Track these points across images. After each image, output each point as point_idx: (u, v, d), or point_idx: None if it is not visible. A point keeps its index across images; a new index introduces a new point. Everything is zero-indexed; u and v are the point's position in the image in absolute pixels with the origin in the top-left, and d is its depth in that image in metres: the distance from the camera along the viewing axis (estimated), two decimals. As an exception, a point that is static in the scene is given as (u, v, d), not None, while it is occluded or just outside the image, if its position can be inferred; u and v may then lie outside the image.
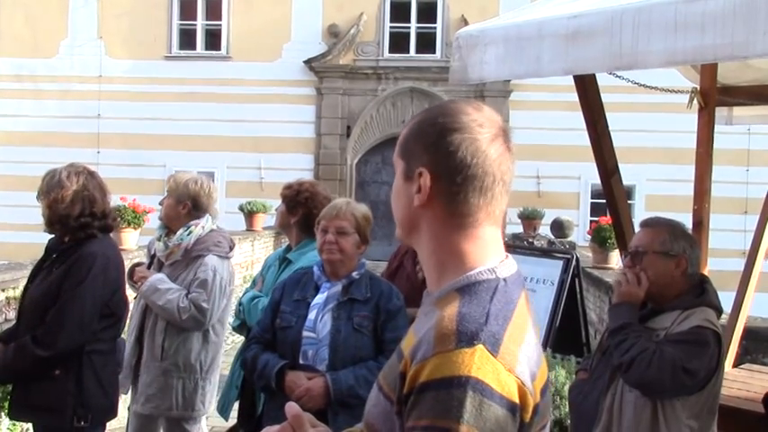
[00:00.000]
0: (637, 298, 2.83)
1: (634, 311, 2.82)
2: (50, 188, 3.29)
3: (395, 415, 1.20)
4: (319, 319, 2.94)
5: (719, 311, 2.87)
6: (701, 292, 2.85)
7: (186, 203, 3.98)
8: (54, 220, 3.27)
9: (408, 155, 1.32)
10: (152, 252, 4.17)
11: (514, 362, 1.15)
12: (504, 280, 1.26)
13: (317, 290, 3.04)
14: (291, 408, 1.32)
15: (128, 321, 4.18)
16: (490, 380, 1.12)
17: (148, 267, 4.08)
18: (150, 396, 3.90)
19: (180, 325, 3.86)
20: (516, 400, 1.14)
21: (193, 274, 3.91)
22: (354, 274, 3.04)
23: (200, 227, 3.98)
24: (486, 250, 1.29)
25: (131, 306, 4.16)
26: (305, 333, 2.94)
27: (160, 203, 4.11)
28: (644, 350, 2.67)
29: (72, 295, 3.14)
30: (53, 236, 3.37)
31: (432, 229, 1.30)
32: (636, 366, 2.66)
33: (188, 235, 3.94)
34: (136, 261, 4.07)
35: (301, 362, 2.94)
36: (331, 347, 2.91)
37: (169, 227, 4.04)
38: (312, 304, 2.98)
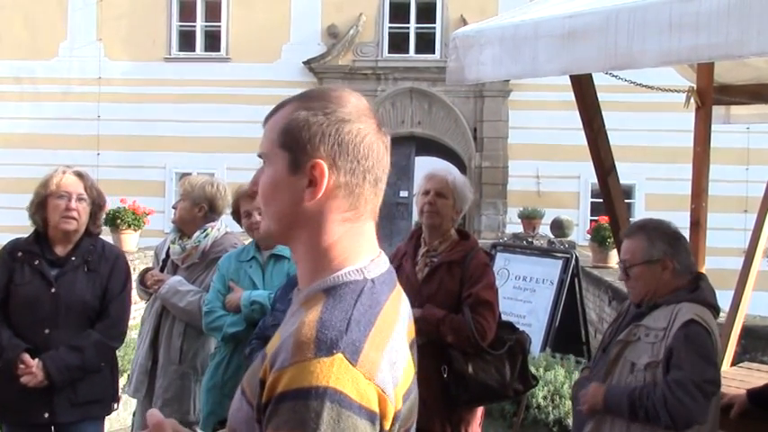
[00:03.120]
0: (599, 407, 2.88)
1: (613, 391, 2.85)
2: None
3: (255, 422, 1.17)
4: None
5: (716, 309, 2.89)
6: (694, 288, 2.88)
7: (202, 206, 4.00)
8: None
9: (294, 146, 1.24)
10: (162, 256, 4.15)
11: (375, 370, 1.12)
12: (372, 281, 1.23)
13: None
14: (153, 415, 1.32)
15: (140, 325, 4.19)
16: (349, 390, 1.09)
17: (161, 271, 4.06)
18: (168, 400, 3.88)
19: (201, 326, 3.86)
20: (376, 409, 1.12)
21: (213, 275, 3.92)
22: None
23: (216, 229, 4.02)
24: (363, 246, 1.27)
25: (143, 310, 4.17)
26: None
27: (174, 207, 4.10)
28: (664, 398, 2.70)
29: (125, 291, 3.48)
30: (34, 234, 3.43)
31: (317, 224, 1.25)
32: (677, 416, 2.69)
33: (205, 237, 3.96)
34: (146, 266, 4.09)
35: None
36: None
37: (182, 230, 4.04)
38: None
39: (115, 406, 3.55)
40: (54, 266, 3.32)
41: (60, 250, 3.36)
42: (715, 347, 2.77)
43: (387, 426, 1.14)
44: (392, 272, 1.31)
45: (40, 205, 3.35)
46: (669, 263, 2.89)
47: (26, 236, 3.47)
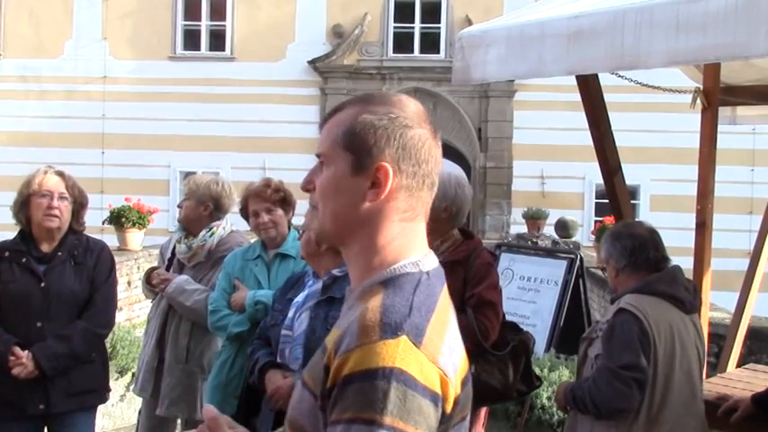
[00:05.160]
0: (561, 402, 3.08)
1: (566, 387, 3.01)
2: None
3: (319, 410, 1.19)
4: (297, 317, 2.92)
5: (675, 298, 2.88)
6: (645, 279, 2.91)
7: (208, 205, 4.01)
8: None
9: (359, 148, 1.27)
10: (167, 255, 4.15)
11: (437, 353, 1.16)
12: (427, 273, 1.27)
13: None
14: (209, 410, 1.34)
15: (146, 324, 4.19)
16: (414, 370, 1.12)
17: (167, 270, 4.06)
18: (174, 399, 3.89)
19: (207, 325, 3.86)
20: (439, 390, 1.15)
21: (219, 274, 3.92)
22: (336, 271, 2.98)
23: (222, 227, 4.02)
24: (416, 244, 1.31)
25: (149, 308, 4.17)
26: (283, 331, 2.93)
27: (179, 206, 4.09)
28: (588, 387, 2.80)
29: (111, 281, 3.55)
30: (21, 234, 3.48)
31: (375, 224, 1.28)
32: (598, 403, 2.76)
33: (210, 236, 3.97)
34: (151, 265, 4.10)
35: (278, 360, 2.95)
36: (305, 347, 2.86)
37: (188, 229, 4.03)
38: (293, 302, 2.98)
39: (108, 396, 3.64)
40: (41, 263, 3.41)
41: (46, 247, 3.44)
42: (647, 333, 2.75)
43: (448, 409, 1.17)
44: (441, 270, 1.34)
45: (24, 204, 3.44)
46: (613, 262, 3.02)
47: (11, 237, 3.54)
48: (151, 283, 4.01)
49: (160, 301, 4.01)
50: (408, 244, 1.29)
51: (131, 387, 4.15)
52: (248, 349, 3.19)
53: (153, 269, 4.09)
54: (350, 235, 1.30)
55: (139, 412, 4.21)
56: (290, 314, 2.95)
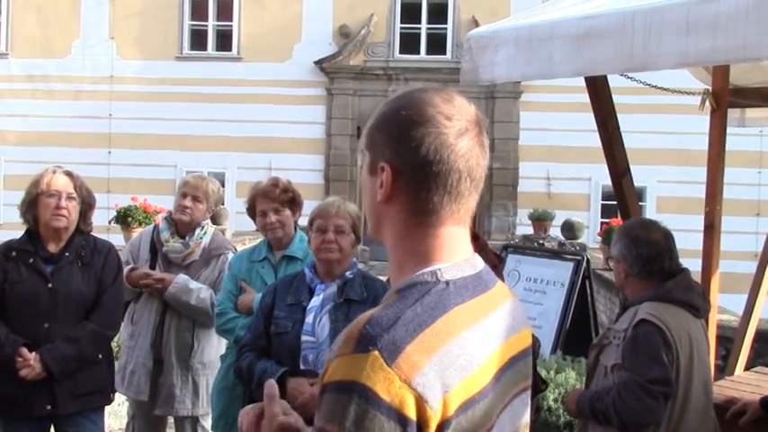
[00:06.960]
0: (573, 411, 3.04)
1: (581, 397, 2.94)
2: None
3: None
4: (317, 322, 2.90)
5: (692, 306, 2.86)
6: (661, 286, 2.86)
7: (212, 208, 4.09)
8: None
9: (373, 147, 1.27)
10: (142, 254, 4.06)
11: (414, 373, 1.09)
12: (447, 283, 1.21)
13: (310, 293, 3.00)
14: (270, 386, 1.33)
15: (128, 326, 4.10)
16: (379, 389, 1.07)
17: (152, 269, 3.99)
18: (180, 397, 3.91)
19: (210, 322, 3.84)
20: (411, 414, 1.08)
21: (218, 272, 3.96)
22: (348, 273, 3.01)
23: (209, 225, 4.09)
24: (444, 251, 1.25)
25: (134, 310, 4.07)
26: (304, 337, 2.90)
27: (186, 207, 3.98)
28: (613, 401, 2.73)
29: (118, 282, 3.54)
30: (26, 233, 3.45)
31: (393, 226, 1.27)
32: (625, 417, 2.71)
33: (205, 234, 4.01)
34: (131, 266, 4.00)
35: (302, 367, 2.89)
36: None
37: (178, 229, 4.02)
38: (309, 308, 2.94)
39: (113, 396, 3.66)
40: (48, 263, 3.39)
41: (53, 247, 3.42)
42: (670, 345, 2.71)
43: None
44: (482, 277, 1.29)
45: (32, 204, 3.42)
46: (624, 263, 2.94)
47: (18, 237, 3.52)
48: (137, 284, 3.93)
49: (147, 301, 3.96)
50: (435, 251, 1.24)
51: (119, 388, 4.05)
52: (240, 362, 3.09)
53: (134, 269, 3.98)
54: (379, 232, 1.31)
55: (132, 417, 4.15)
56: (309, 320, 2.93)
